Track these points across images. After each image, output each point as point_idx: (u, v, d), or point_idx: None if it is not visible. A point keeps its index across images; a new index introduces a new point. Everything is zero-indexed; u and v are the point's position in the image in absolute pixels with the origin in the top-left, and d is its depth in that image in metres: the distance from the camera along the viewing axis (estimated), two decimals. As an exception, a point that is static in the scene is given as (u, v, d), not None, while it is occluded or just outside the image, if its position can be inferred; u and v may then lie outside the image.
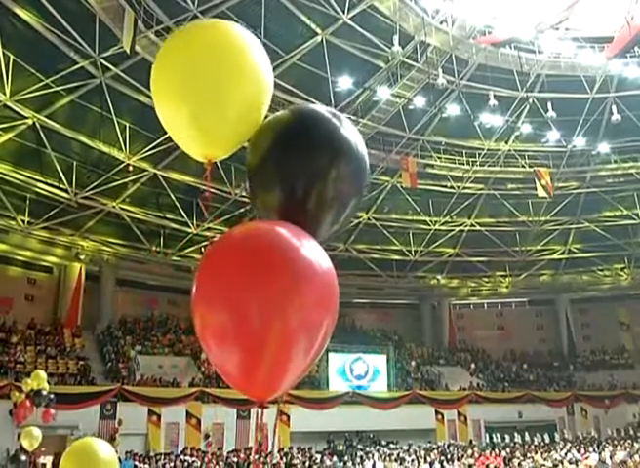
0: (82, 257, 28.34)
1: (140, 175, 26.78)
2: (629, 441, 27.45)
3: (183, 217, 28.70)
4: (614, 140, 31.82)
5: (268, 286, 2.90)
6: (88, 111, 23.90)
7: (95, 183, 25.73)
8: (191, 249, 30.51)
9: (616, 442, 27.47)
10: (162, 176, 27.24)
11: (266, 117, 3.55)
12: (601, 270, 39.02)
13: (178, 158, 25.55)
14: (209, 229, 29.41)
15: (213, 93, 3.25)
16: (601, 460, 18.58)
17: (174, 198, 28.03)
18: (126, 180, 26.75)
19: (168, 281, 31.31)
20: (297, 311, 2.95)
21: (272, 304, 2.90)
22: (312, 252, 3.10)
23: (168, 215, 29.03)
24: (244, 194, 27.30)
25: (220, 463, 19.16)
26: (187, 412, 24.32)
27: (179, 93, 3.31)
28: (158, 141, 24.41)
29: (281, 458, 20.99)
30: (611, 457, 19.71)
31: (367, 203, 33.23)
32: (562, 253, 37.75)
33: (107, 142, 24.82)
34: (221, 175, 26.19)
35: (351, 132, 3.47)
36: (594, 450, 22.80)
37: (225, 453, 22.24)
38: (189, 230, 29.38)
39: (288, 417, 26.67)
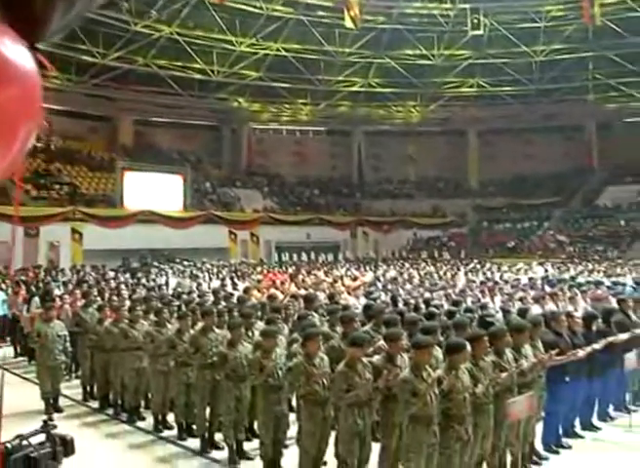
0: None
1: None
2: (401, 261, 30.84)
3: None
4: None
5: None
6: None
7: None
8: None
9: (390, 262, 30.66)
10: None
11: None
12: (395, 106, 41.03)
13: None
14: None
15: None
16: (376, 277, 20.58)
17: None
18: None
19: None
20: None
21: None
22: (12, 51, 2.83)
23: None
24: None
25: (7, 281, 18.57)
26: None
27: None
28: None
29: (72, 275, 20.77)
30: (384, 275, 21.93)
31: (170, 16, 31.14)
32: (362, 87, 38.81)
33: None
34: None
35: None
36: (371, 269, 25.17)
37: (13, 272, 21.53)
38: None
39: (80, 235, 26.21)
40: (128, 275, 21.33)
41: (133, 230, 27.47)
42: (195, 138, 39.53)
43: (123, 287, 15.10)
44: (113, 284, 16.62)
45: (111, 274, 21.00)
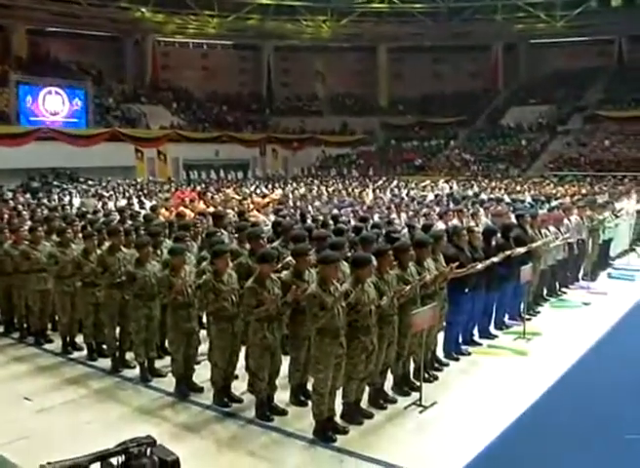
0: None
1: None
2: (310, 179, 31.01)
3: None
4: None
5: None
6: None
7: None
8: None
9: (299, 179, 30.77)
10: None
11: None
12: (305, 20, 39.98)
13: None
14: None
15: None
16: (284, 194, 20.68)
17: None
18: None
19: None
20: None
21: None
22: None
23: None
24: None
25: None
26: None
27: None
28: None
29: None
30: (293, 192, 22.06)
31: None
32: (272, -1, 37.56)
33: None
34: None
35: None
36: (280, 186, 25.23)
37: None
38: None
39: (-25, 154, 24.78)
40: (28, 195, 20.47)
41: (32, 148, 26.16)
42: (95, 50, 37.47)
43: (21, 207, 14.50)
44: (12, 204, 15.92)
45: (9, 194, 20.08)
